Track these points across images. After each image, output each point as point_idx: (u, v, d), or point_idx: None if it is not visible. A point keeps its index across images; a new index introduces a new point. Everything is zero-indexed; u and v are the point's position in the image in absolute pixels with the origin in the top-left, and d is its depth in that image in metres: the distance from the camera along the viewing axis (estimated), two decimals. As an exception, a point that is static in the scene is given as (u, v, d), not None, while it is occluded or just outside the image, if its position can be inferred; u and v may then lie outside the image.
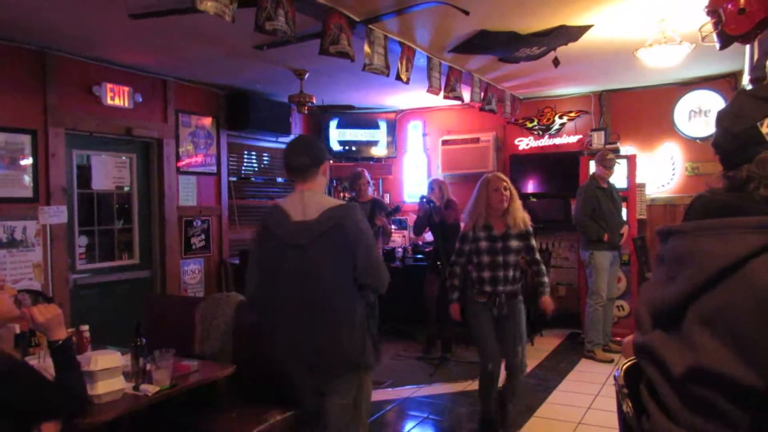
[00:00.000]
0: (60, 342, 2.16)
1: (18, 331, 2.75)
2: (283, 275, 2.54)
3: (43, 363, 2.55)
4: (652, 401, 1.04)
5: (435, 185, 5.77)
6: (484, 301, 3.70)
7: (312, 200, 2.58)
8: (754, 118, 1.10)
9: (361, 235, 2.57)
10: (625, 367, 1.23)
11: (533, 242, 3.81)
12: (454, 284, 3.81)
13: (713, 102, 6.25)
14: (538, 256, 3.86)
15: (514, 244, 3.69)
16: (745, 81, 4.40)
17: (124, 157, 5.45)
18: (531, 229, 3.81)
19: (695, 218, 1.06)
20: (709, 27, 2.73)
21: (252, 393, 3.24)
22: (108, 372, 2.46)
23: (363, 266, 2.54)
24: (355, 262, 2.53)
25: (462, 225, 6.21)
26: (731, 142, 1.12)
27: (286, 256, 2.54)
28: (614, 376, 1.25)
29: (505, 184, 3.72)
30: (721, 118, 1.17)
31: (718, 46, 2.66)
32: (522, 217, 3.74)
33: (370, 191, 6.29)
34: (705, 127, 6.29)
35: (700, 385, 0.93)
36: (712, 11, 2.59)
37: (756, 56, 3.56)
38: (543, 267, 3.87)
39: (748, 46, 3.92)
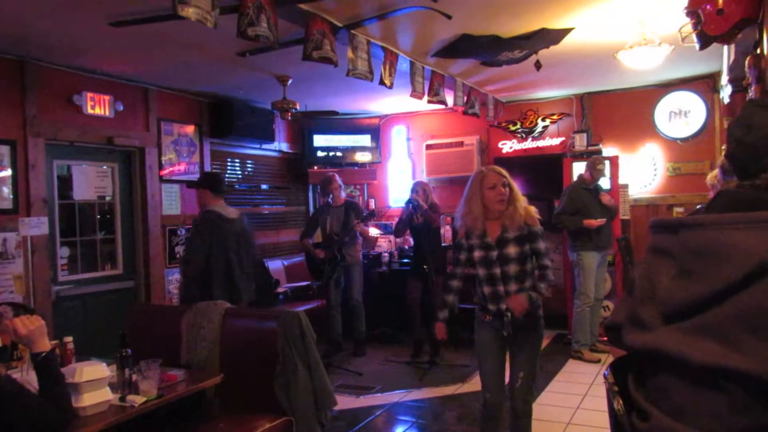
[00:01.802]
0: (43, 354, 2.12)
1: (0, 344, 2.70)
2: (237, 251, 4.29)
3: (26, 376, 2.51)
4: (647, 402, 1.01)
5: (419, 187, 5.75)
6: (489, 320, 3.14)
7: (228, 208, 4.43)
8: (766, 126, 1.10)
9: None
10: (614, 364, 1.23)
11: (541, 245, 3.11)
12: (446, 300, 3.25)
13: (692, 103, 6.34)
14: (546, 261, 3.12)
15: (514, 250, 3.05)
16: (724, 81, 4.47)
17: (105, 167, 5.38)
18: (538, 228, 3.12)
19: (719, 212, 1.04)
20: (689, 28, 2.77)
21: (240, 401, 3.21)
22: (93, 383, 2.42)
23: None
24: None
25: (443, 229, 6.29)
26: (745, 151, 1.12)
27: (232, 240, 4.26)
28: (604, 375, 1.25)
29: (504, 180, 3.09)
30: (733, 129, 1.17)
31: (697, 46, 2.70)
32: (523, 214, 3.09)
33: (343, 194, 6.26)
34: (685, 128, 6.38)
35: (743, 388, 0.87)
36: (692, 12, 2.62)
37: (733, 57, 3.62)
38: (549, 272, 3.13)
39: (725, 47, 3.99)
